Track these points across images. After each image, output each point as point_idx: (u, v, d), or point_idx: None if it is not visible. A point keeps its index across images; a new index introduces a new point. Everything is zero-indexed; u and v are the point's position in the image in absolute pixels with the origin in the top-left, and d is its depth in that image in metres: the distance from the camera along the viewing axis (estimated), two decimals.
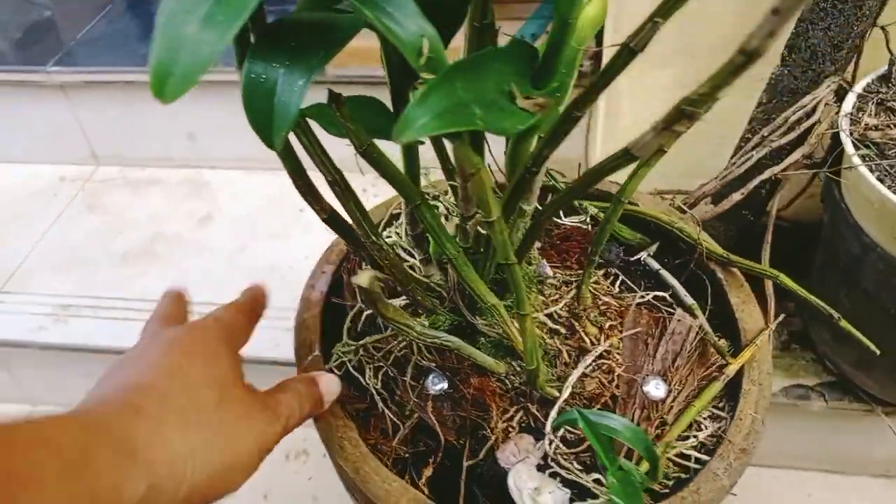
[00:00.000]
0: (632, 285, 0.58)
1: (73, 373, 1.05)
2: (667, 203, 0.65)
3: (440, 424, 0.50)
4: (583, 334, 0.52)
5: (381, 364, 0.52)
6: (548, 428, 0.48)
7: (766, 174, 0.71)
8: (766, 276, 0.57)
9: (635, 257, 0.61)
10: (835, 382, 0.86)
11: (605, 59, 0.59)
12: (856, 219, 0.71)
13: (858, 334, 0.59)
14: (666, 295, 0.58)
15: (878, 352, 0.59)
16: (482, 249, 0.46)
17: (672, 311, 0.56)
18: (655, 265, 0.60)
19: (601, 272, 0.57)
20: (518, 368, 0.50)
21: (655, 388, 0.51)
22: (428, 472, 0.51)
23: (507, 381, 0.50)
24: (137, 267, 1.10)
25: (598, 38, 0.93)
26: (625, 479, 0.40)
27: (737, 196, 0.73)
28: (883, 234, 0.68)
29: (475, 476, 0.50)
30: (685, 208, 0.63)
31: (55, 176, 1.28)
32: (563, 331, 0.52)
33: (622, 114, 0.92)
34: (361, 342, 0.52)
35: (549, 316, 0.53)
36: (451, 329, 0.51)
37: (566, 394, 0.49)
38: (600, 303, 0.54)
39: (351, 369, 0.52)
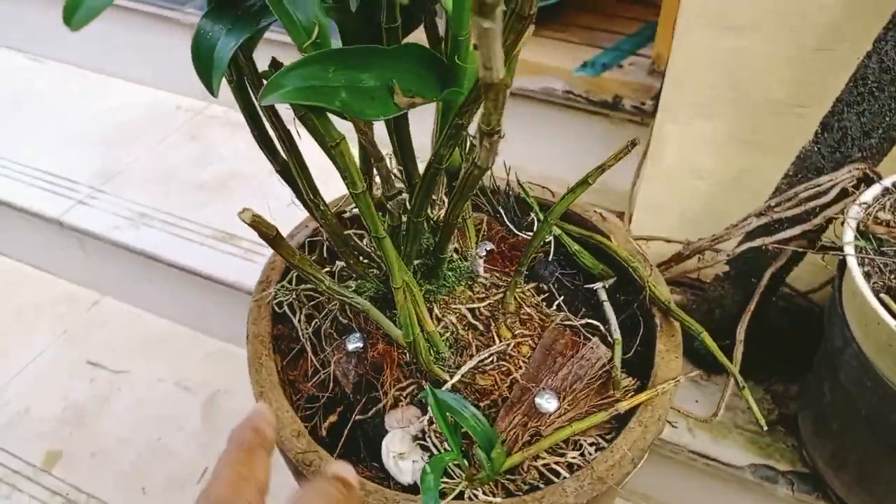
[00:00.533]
0: (563, 306, 0.60)
1: (134, 275, 1.19)
2: (637, 244, 0.67)
3: (344, 377, 0.56)
4: (495, 334, 0.56)
5: (312, 312, 0.59)
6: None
7: (756, 243, 0.71)
8: (691, 331, 0.58)
9: (590, 286, 0.64)
10: (807, 475, 0.83)
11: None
12: (843, 309, 0.69)
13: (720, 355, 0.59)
14: (599, 325, 0.60)
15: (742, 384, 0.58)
16: (404, 231, 0.51)
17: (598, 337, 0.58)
18: (603, 296, 0.63)
19: (532, 285, 0.60)
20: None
21: (546, 402, 0.54)
22: (333, 418, 0.57)
23: (408, 354, 0.55)
24: (210, 196, 1.23)
25: None
26: (437, 460, 0.44)
27: (721, 257, 0.73)
28: (860, 329, 0.66)
29: (363, 430, 0.56)
30: (642, 252, 0.65)
31: (173, 104, 1.44)
32: (480, 327, 0.56)
33: (666, 157, 0.93)
34: (299, 287, 0.59)
35: (472, 311, 0.57)
36: (377, 297, 0.56)
37: (454, 379, 0.53)
38: (522, 312, 0.58)
39: (287, 310, 0.59)
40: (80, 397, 1.12)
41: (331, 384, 0.57)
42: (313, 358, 0.58)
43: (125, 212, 1.19)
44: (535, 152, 1.15)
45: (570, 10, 1.18)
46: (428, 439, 0.52)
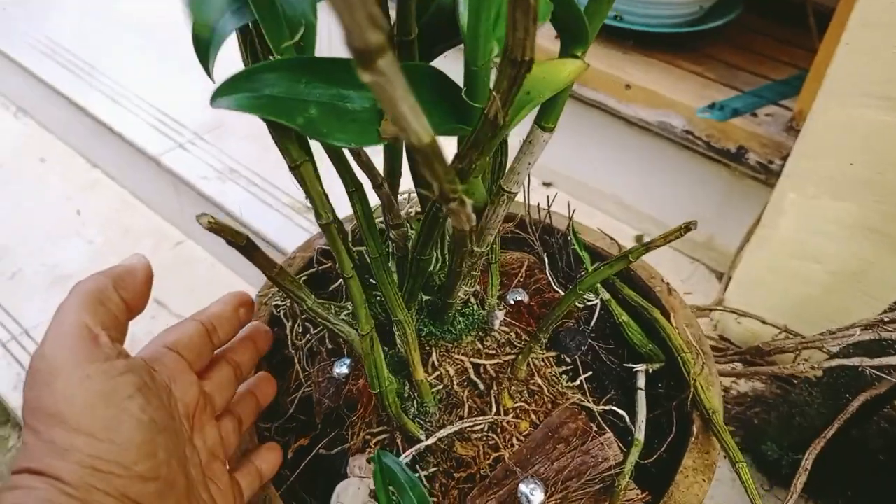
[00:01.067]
0: (584, 384, 0.52)
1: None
2: (698, 325, 0.56)
3: (318, 404, 0.51)
4: (494, 400, 0.49)
5: (308, 325, 0.54)
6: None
7: (852, 361, 0.58)
8: (729, 454, 0.48)
9: (631, 366, 0.55)
10: None
11: None
12: None
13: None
14: (625, 416, 0.51)
15: None
16: (411, 269, 0.45)
17: (619, 429, 0.50)
18: (641, 382, 0.53)
19: (553, 354, 0.52)
20: (408, 393, 0.48)
21: (531, 493, 0.46)
22: (304, 441, 0.52)
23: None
24: None
25: None
26: None
27: (777, 371, 0.61)
28: None
29: (323, 467, 0.50)
30: (700, 343, 0.54)
31: None
32: (481, 387, 0.49)
33: (781, 228, 0.80)
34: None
35: (476, 367, 0.50)
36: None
37: (428, 441, 0.46)
38: (533, 383, 0.50)
39: (282, 316, 0.54)
40: (138, 331, 1.15)
41: (311, 406, 0.52)
42: (300, 372, 0.53)
43: (217, 164, 1.20)
44: (647, 189, 1.05)
45: (714, 42, 1.05)
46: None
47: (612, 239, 0.63)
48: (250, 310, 0.47)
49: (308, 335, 0.53)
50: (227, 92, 0.29)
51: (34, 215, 1.36)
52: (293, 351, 0.53)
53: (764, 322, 0.83)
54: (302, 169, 0.33)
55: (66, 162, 1.49)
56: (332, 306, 0.48)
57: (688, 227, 0.39)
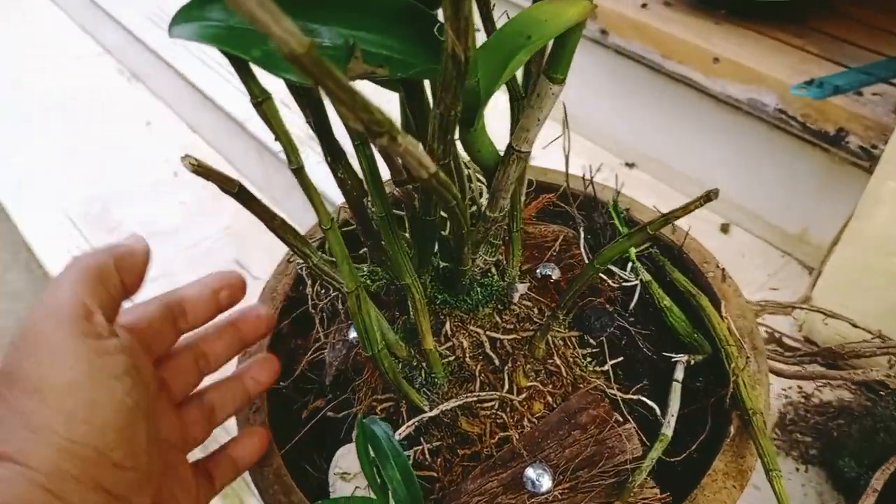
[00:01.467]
0: (611, 372, 0.48)
1: (299, 198, 1.22)
2: (752, 317, 0.51)
3: (329, 366, 0.50)
4: (507, 377, 0.46)
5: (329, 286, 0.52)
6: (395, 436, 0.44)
7: None
8: (764, 461, 0.43)
9: (669, 355, 0.50)
10: None
11: None
12: None
13: None
14: (655, 408, 0.47)
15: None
16: (419, 230, 0.43)
17: (648, 423, 0.46)
18: (679, 374, 0.49)
19: (576, 333, 0.48)
20: (416, 361, 0.46)
21: (537, 478, 0.43)
22: (320, 402, 0.52)
23: (399, 365, 0.47)
24: None
25: None
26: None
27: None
28: None
29: (330, 430, 0.49)
30: (752, 337, 0.49)
31: None
32: (496, 362, 0.46)
33: (878, 219, 0.71)
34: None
35: (492, 341, 0.47)
36: (388, 289, 0.49)
37: (431, 413, 0.44)
38: (550, 363, 0.46)
39: (304, 274, 0.54)
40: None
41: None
42: (320, 332, 0.52)
43: (299, 131, 1.22)
44: (735, 174, 0.97)
45: (820, 12, 0.95)
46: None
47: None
48: (237, 292, 0.43)
49: (328, 296, 0.52)
50: (183, 20, 0.28)
51: (136, 174, 1.43)
52: (313, 311, 0.52)
53: (854, 325, 0.75)
54: (265, 106, 0.31)
55: (169, 126, 1.56)
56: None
57: (708, 197, 0.34)
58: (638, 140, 1.09)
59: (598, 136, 1.14)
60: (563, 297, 0.43)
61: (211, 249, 1.26)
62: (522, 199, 0.46)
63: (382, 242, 0.46)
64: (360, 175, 0.42)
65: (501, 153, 0.39)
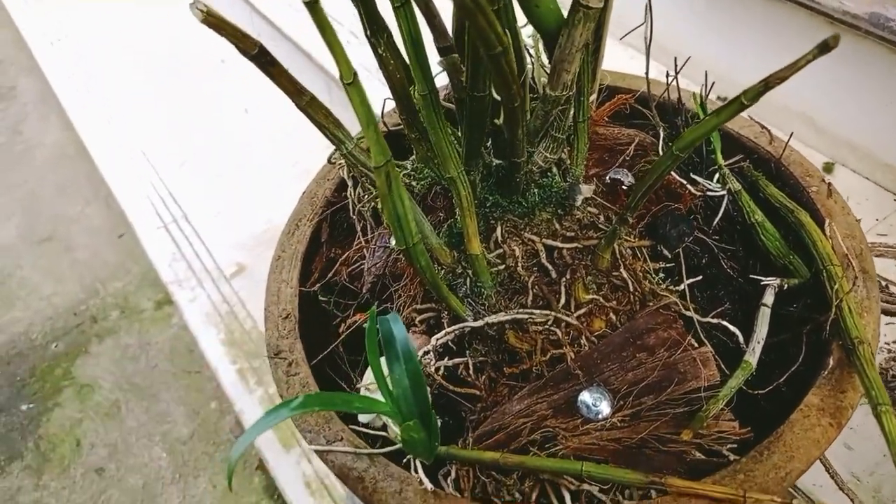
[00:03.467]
0: (689, 289, 0.41)
1: None
2: (862, 238, 0.43)
3: (368, 273, 0.45)
4: (563, 290, 0.40)
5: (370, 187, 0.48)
6: (430, 343, 0.40)
7: None
8: (872, 395, 0.36)
9: (757, 277, 0.43)
10: None
11: None
12: None
13: None
14: (737, 333, 0.40)
15: None
16: (466, 111, 0.37)
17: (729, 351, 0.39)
18: (769, 298, 0.42)
19: (648, 243, 0.42)
20: (461, 268, 0.41)
21: (593, 404, 0.38)
22: (360, 317, 0.47)
23: (442, 273, 0.42)
24: None
25: None
26: (349, 399, 0.31)
27: None
28: None
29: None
30: (862, 258, 0.41)
31: None
32: (552, 274, 0.41)
33: None
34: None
35: (549, 250, 0.41)
36: (434, 193, 0.44)
37: (473, 324, 0.39)
38: (616, 275, 0.40)
39: (346, 177, 0.49)
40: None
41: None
42: (362, 240, 0.48)
43: (371, 64, 1.17)
44: (845, 106, 0.86)
45: None
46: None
47: (763, 127, 0.50)
48: None
49: (371, 200, 0.47)
50: None
51: (207, 112, 1.43)
52: (354, 217, 0.48)
53: None
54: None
55: (242, 63, 1.55)
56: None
57: (826, 46, 0.27)
58: (734, 69, 0.98)
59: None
60: (634, 195, 0.37)
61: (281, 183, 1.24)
62: (593, 82, 0.40)
63: (428, 135, 0.40)
64: (402, 51, 0.37)
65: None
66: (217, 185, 1.27)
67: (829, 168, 0.92)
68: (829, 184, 0.46)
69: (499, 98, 0.35)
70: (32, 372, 1.24)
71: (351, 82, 0.29)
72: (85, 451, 1.12)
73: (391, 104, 0.42)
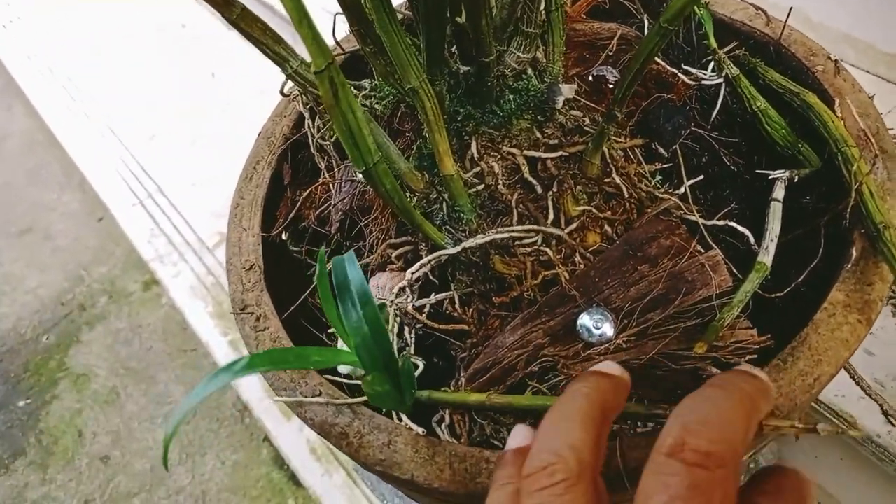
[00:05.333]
0: (690, 190, 0.37)
1: None
2: (878, 115, 0.38)
3: (335, 211, 0.41)
4: (550, 205, 0.36)
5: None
6: (406, 278, 0.36)
7: None
8: None
9: (764, 172, 0.38)
10: None
11: None
12: None
13: None
14: (747, 234, 0.36)
15: None
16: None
17: (740, 254, 0.35)
18: (779, 193, 0.37)
19: (640, 141, 0.37)
20: (436, 193, 0.37)
21: (594, 325, 0.34)
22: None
23: (415, 201, 0.37)
24: None
25: None
26: (306, 354, 0.27)
27: None
28: None
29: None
30: (877, 136, 0.36)
31: None
32: (537, 189, 0.36)
33: None
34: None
35: (531, 161, 0.37)
36: (401, 114, 0.39)
37: (451, 251, 0.35)
38: (608, 182, 0.36)
39: (304, 110, 0.44)
40: None
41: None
42: (326, 176, 0.43)
43: None
44: None
45: None
46: (394, 321, 0.36)
47: (757, 9, 0.45)
48: None
49: (329, 129, 0.43)
50: None
51: (173, 80, 1.37)
52: (317, 153, 0.43)
53: None
54: None
55: (205, 26, 1.48)
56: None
57: None
58: None
59: None
60: (622, 84, 0.32)
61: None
62: None
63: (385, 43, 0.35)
64: None
65: None
66: (190, 155, 1.22)
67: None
68: (837, 61, 0.41)
69: None
70: (26, 367, 1.21)
71: (320, 68, 0.25)
72: (88, 440, 1.10)
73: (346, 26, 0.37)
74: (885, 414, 0.40)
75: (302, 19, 0.25)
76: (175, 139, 1.23)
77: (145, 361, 1.13)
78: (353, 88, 0.38)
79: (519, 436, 0.27)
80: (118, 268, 1.26)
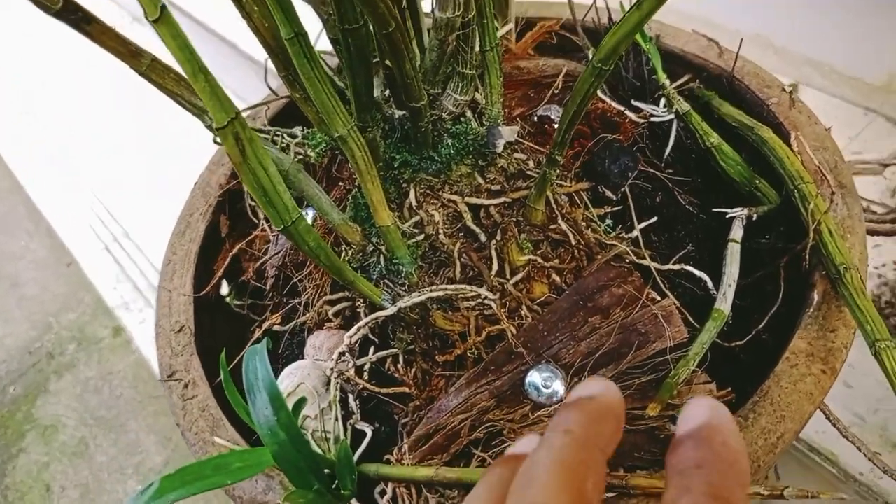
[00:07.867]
0: (637, 235, 0.35)
1: None
2: (835, 148, 0.36)
3: (269, 267, 0.38)
4: (494, 255, 0.33)
5: None
6: (344, 343, 0.33)
7: None
8: (865, 331, 0.30)
9: (722, 210, 0.37)
10: None
11: None
12: None
13: None
14: (705, 279, 0.34)
15: None
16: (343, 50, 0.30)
17: (698, 300, 0.33)
18: (736, 233, 0.35)
19: (587, 185, 0.35)
20: (373, 246, 0.34)
21: (543, 385, 0.31)
22: (276, 319, 0.41)
23: (351, 254, 0.35)
24: None
25: None
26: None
27: None
28: None
29: (287, 345, 0.38)
30: (836, 172, 0.35)
31: None
32: (481, 237, 0.34)
33: None
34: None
35: (473, 209, 0.35)
36: (338, 161, 0.37)
37: (387, 312, 0.32)
38: (553, 229, 0.34)
39: None
40: None
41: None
42: (267, 228, 0.41)
43: None
44: (803, 23, 0.80)
45: None
46: (336, 390, 0.33)
47: (710, 40, 0.43)
48: None
49: None
50: None
51: (132, 117, 1.35)
52: (250, 203, 0.41)
53: None
54: None
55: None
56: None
57: None
58: None
59: None
60: (560, 128, 0.30)
61: None
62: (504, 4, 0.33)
63: (308, 90, 0.33)
64: None
65: None
66: (156, 198, 1.20)
67: (794, 88, 0.86)
68: (791, 92, 0.40)
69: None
70: None
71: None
72: (56, 495, 1.06)
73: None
74: (866, 456, 0.38)
75: (197, 73, 0.23)
76: (141, 182, 1.21)
77: (115, 409, 1.10)
78: (285, 135, 0.36)
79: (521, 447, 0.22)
80: (87, 314, 1.22)
